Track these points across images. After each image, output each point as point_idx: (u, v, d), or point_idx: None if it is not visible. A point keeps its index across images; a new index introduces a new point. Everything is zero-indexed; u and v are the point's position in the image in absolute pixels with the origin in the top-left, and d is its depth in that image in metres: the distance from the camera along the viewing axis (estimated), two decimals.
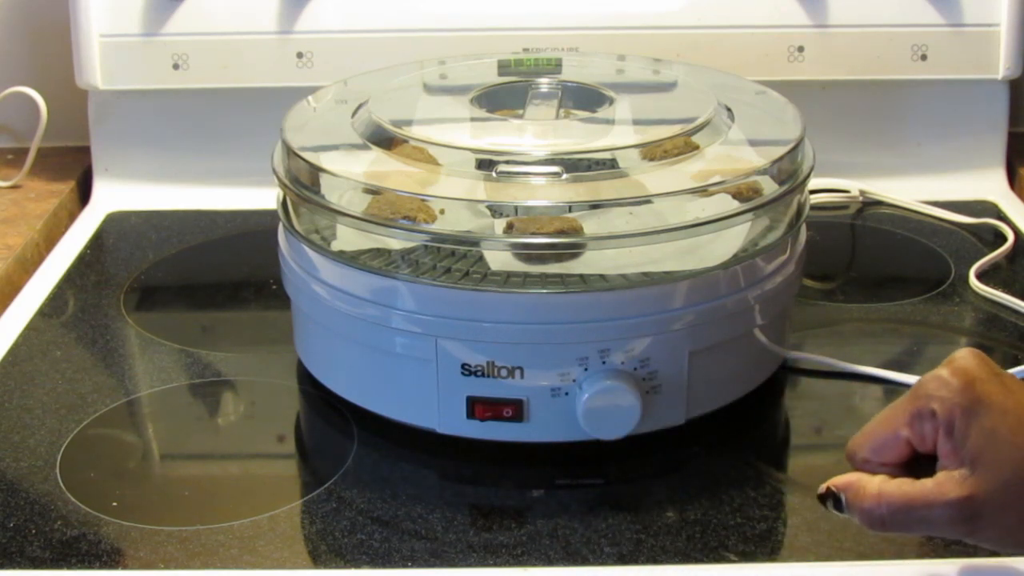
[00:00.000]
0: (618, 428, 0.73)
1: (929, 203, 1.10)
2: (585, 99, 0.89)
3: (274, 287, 0.94)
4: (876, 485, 0.58)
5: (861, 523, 0.58)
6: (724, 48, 1.10)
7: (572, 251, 0.74)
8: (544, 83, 0.90)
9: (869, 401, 0.83)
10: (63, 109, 1.18)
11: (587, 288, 0.73)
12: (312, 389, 0.83)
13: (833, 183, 1.12)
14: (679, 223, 0.74)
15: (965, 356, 0.58)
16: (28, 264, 1.03)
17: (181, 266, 1.04)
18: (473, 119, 0.86)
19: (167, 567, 0.67)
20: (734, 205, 0.76)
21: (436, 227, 0.74)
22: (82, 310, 0.95)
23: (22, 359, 0.88)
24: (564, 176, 0.76)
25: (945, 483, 0.56)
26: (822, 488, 0.59)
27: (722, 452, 0.76)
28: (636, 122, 0.87)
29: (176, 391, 0.85)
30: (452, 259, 0.74)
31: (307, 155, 0.80)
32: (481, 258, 0.74)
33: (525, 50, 1.08)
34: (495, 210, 0.75)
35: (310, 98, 0.91)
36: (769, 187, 0.78)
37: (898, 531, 0.58)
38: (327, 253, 0.78)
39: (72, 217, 1.13)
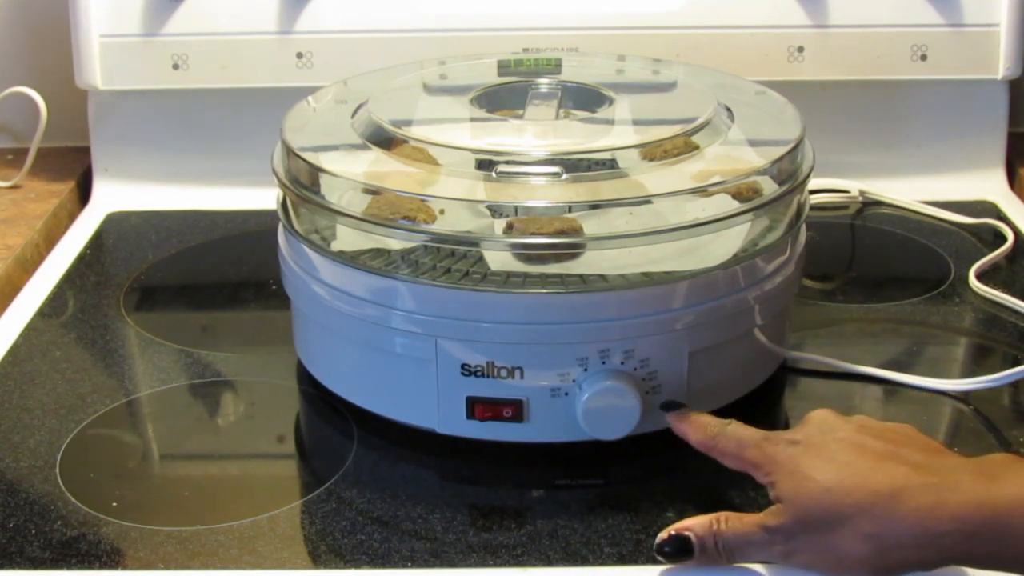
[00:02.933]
0: (618, 428, 0.73)
1: (929, 203, 1.10)
2: (585, 99, 0.88)
3: (274, 287, 0.94)
4: (709, 522, 0.65)
5: (699, 560, 0.65)
6: (724, 48, 1.10)
7: (572, 251, 0.74)
8: (544, 83, 0.90)
9: (869, 401, 0.82)
10: (63, 109, 1.18)
11: (587, 288, 0.73)
12: (312, 389, 0.83)
13: (833, 183, 1.12)
14: (679, 223, 0.74)
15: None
16: (28, 264, 1.03)
17: (181, 266, 1.04)
18: (473, 119, 0.86)
19: (167, 567, 0.67)
20: (734, 205, 0.76)
21: (436, 227, 0.74)
22: (82, 310, 0.95)
23: (22, 359, 0.88)
24: (564, 176, 0.76)
25: (766, 515, 0.64)
26: (663, 535, 0.65)
27: None
28: (636, 122, 0.87)
29: (176, 391, 0.85)
30: (452, 259, 0.74)
31: (307, 155, 0.80)
32: (481, 258, 0.74)
33: (525, 50, 1.08)
34: (495, 210, 0.75)
35: (310, 98, 0.91)
36: (769, 187, 0.78)
37: (733, 559, 0.65)
38: (327, 253, 0.78)
39: (72, 217, 1.13)
